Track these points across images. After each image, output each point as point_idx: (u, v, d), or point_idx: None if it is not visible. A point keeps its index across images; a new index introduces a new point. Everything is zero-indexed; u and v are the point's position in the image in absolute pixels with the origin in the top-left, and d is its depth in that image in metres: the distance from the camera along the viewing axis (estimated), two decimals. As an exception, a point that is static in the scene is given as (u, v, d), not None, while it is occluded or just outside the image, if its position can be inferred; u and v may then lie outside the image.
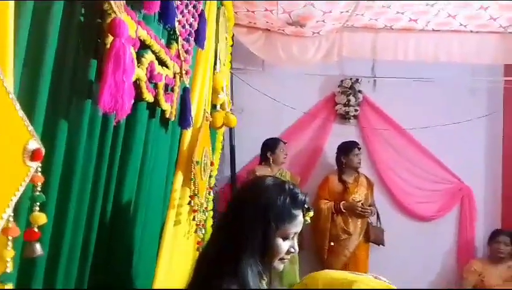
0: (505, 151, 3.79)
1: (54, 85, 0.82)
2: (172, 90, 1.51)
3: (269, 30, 3.36)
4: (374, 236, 3.41)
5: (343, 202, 3.32)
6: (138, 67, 1.12)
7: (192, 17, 1.64)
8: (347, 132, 3.71)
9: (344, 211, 3.30)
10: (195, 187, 1.66)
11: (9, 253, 0.65)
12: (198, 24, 1.72)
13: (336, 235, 3.29)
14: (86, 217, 1.03)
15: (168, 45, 1.45)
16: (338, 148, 3.48)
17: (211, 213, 2.21)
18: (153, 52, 1.23)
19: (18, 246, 0.71)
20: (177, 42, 1.51)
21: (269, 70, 3.71)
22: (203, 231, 1.88)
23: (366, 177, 3.52)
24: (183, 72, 1.56)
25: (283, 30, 3.30)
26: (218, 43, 2.33)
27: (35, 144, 0.68)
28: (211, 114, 2.10)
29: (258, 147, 3.38)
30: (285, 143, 3.37)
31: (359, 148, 3.46)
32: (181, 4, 1.49)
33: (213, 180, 2.04)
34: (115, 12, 0.95)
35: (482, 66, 3.64)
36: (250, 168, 3.38)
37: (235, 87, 3.58)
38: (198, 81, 1.85)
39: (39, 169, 0.70)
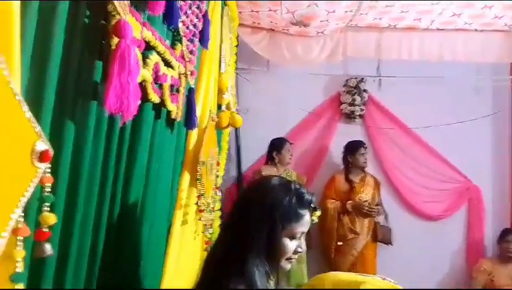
0: (512, 150, 3.76)
1: (60, 86, 0.83)
2: (178, 91, 1.51)
3: (273, 30, 3.36)
4: (381, 235, 3.40)
5: (349, 201, 3.31)
6: (143, 68, 1.13)
7: (196, 18, 1.65)
8: (352, 132, 3.70)
9: (351, 210, 3.29)
10: (201, 187, 1.66)
11: (20, 253, 0.65)
12: (202, 25, 1.73)
13: (343, 234, 3.28)
14: (94, 217, 1.04)
15: (173, 46, 1.45)
16: (344, 148, 3.47)
17: (218, 213, 2.22)
18: (158, 53, 1.24)
19: (28, 247, 0.72)
20: (181, 43, 1.51)
21: (274, 70, 3.71)
22: (211, 231, 1.89)
23: (373, 177, 3.51)
24: (188, 72, 1.57)
25: (287, 30, 3.30)
26: (223, 44, 2.33)
27: (43, 145, 0.69)
28: (216, 114, 2.10)
29: (264, 147, 3.38)
30: (291, 144, 3.37)
31: (365, 148, 3.45)
32: (185, 5, 1.50)
33: (219, 180, 2.04)
34: (120, 14, 0.95)
35: (487, 65, 3.62)
36: (256, 168, 3.38)
37: (240, 88, 3.59)
38: (203, 82, 1.85)
39: (48, 170, 0.70)
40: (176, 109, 1.48)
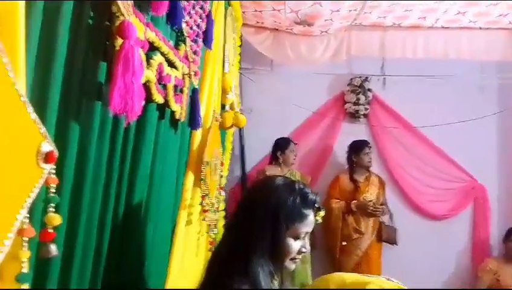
0: (518, 149, 3.73)
1: (65, 87, 0.83)
2: (182, 91, 1.52)
3: (277, 30, 3.36)
4: (386, 235, 3.38)
5: (354, 201, 3.30)
6: (147, 69, 1.13)
7: (200, 18, 1.65)
8: (357, 131, 3.68)
9: (355, 210, 3.28)
10: (206, 187, 1.67)
11: (25, 254, 0.66)
12: (205, 25, 1.73)
13: (348, 234, 3.27)
14: (98, 218, 1.04)
15: (177, 46, 1.46)
16: (348, 147, 3.46)
17: (223, 213, 2.22)
18: (162, 53, 1.24)
19: (33, 247, 0.72)
20: (185, 43, 1.51)
21: (278, 69, 3.71)
22: (215, 231, 1.89)
23: (378, 176, 3.49)
24: (192, 73, 1.57)
25: (291, 29, 3.30)
26: (226, 44, 2.33)
27: (48, 146, 0.69)
28: (220, 114, 2.11)
29: (268, 147, 3.37)
30: (296, 144, 3.36)
31: (370, 147, 3.43)
32: (188, 5, 1.50)
33: (223, 181, 2.04)
34: (124, 15, 0.96)
35: (492, 63, 3.59)
36: (260, 168, 3.38)
37: (244, 87, 3.59)
38: (207, 82, 1.85)
39: (53, 171, 0.71)
40: (179, 109, 1.48)
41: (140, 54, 1.03)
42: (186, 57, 1.53)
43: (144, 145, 1.27)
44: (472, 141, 3.60)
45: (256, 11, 2.96)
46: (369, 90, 3.70)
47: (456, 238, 3.73)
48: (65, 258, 0.90)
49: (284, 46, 3.38)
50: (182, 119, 1.55)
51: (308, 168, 3.62)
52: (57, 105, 0.81)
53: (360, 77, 3.69)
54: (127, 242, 1.24)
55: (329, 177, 3.54)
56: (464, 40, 3.29)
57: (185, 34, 1.50)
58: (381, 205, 3.35)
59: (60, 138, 0.83)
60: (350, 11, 2.92)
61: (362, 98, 3.67)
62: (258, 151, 3.59)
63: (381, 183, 3.47)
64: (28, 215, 0.66)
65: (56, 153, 0.70)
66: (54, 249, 0.72)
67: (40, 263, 0.79)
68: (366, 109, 3.69)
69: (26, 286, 0.66)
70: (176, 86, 1.43)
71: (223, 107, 2.27)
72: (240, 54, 3.12)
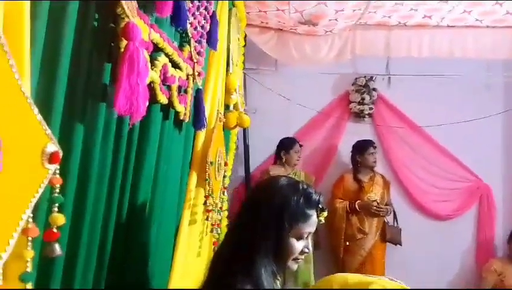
0: (524, 148, 3.71)
1: (70, 88, 0.84)
2: (186, 91, 1.52)
3: (281, 30, 3.36)
4: (390, 235, 3.37)
5: (358, 201, 3.29)
6: (152, 70, 1.14)
7: (204, 19, 1.66)
8: (362, 131, 3.68)
9: (359, 210, 3.27)
10: (209, 187, 1.67)
11: (29, 253, 0.66)
12: (210, 26, 1.73)
13: (352, 234, 3.27)
14: (102, 218, 1.05)
15: (181, 47, 1.46)
16: (353, 147, 3.46)
17: (226, 213, 2.23)
18: (166, 54, 1.25)
19: (37, 247, 0.73)
20: (189, 44, 1.52)
21: (282, 70, 3.71)
22: (219, 231, 1.90)
23: (382, 176, 3.49)
24: (196, 73, 1.58)
25: (295, 29, 3.30)
26: (230, 44, 2.34)
27: (53, 147, 0.70)
28: (224, 115, 2.11)
29: (272, 147, 3.38)
30: (301, 146, 3.36)
31: (374, 147, 3.43)
32: (192, 6, 1.51)
33: (227, 181, 2.05)
34: (128, 16, 0.96)
35: (498, 62, 3.57)
36: (264, 168, 3.39)
37: (248, 88, 3.59)
38: (211, 82, 1.86)
39: (57, 171, 0.72)
40: (184, 109, 1.49)
41: (145, 55, 1.03)
42: (191, 58, 1.54)
43: (148, 146, 1.27)
44: (478, 140, 3.58)
45: (260, 11, 2.96)
46: (374, 89, 3.69)
47: (461, 238, 3.72)
48: (69, 258, 0.90)
49: (289, 46, 3.38)
50: (186, 120, 1.56)
51: (313, 168, 3.62)
52: (62, 106, 0.82)
53: (364, 76, 3.69)
54: (130, 242, 1.25)
55: (334, 177, 3.54)
56: (469, 38, 3.27)
57: (189, 35, 1.51)
58: (386, 205, 3.35)
59: (65, 138, 0.83)
60: (354, 10, 2.92)
61: (367, 97, 3.66)
62: (262, 151, 3.59)
63: (386, 183, 3.46)
64: (32, 215, 0.66)
65: (60, 154, 0.71)
66: (58, 248, 0.73)
67: (44, 262, 0.79)
68: (370, 109, 3.69)
69: (29, 285, 0.67)
70: (180, 87, 1.44)
71: (227, 107, 2.27)
72: (244, 54, 3.13)
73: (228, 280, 1.00)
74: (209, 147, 1.70)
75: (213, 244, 1.95)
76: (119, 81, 0.92)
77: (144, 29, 1.04)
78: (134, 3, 1.00)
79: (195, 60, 1.57)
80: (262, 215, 1.06)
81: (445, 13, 2.98)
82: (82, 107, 0.92)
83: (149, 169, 1.31)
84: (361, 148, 3.41)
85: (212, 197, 1.72)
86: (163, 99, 1.25)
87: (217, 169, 1.79)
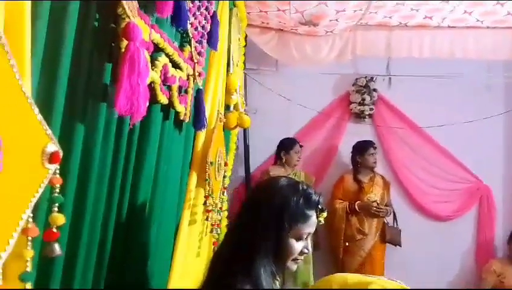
0: (525, 149, 3.71)
1: (70, 89, 0.84)
2: (186, 92, 1.52)
3: (282, 30, 3.36)
4: (390, 236, 3.37)
5: (358, 201, 3.29)
6: (152, 70, 1.14)
7: (205, 19, 1.66)
8: (362, 131, 3.68)
9: (359, 211, 3.27)
10: (209, 188, 1.67)
11: (29, 253, 0.66)
12: (210, 26, 1.73)
13: (351, 235, 3.27)
14: (102, 218, 1.05)
15: (181, 48, 1.46)
16: (353, 148, 3.46)
17: (226, 213, 2.23)
18: (167, 55, 1.25)
19: (37, 246, 0.73)
20: (190, 44, 1.52)
21: (282, 70, 3.71)
22: (219, 231, 1.90)
23: (382, 177, 3.49)
24: (197, 73, 1.58)
25: (296, 30, 3.30)
26: (231, 44, 2.34)
27: (53, 146, 0.70)
28: (224, 115, 2.11)
29: (272, 147, 3.38)
30: (301, 146, 3.36)
31: (375, 148, 3.43)
32: (193, 6, 1.51)
33: (227, 181, 2.05)
34: (129, 17, 0.96)
35: (499, 62, 3.56)
36: (265, 169, 3.39)
37: (249, 88, 3.59)
38: (212, 83, 1.86)
39: (57, 171, 0.72)
40: (184, 110, 1.49)
41: (146, 55, 1.03)
42: (191, 58, 1.54)
43: (148, 146, 1.28)
44: (478, 141, 3.58)
45: (261, 11, 2.96)
46: (374, 90, 3.69)
47: (461, 239, 3.71)
48: (68, 258, 0.90)
49: (289, 46, 3.37)
50: (187, 120, 1.56)
51: (313, 168, 3.62)
52: (63, 106, 0.82)
53: (365, 77, 3.69)
54: (130, 242, 1.25)
55: (334, 178, 3.54)
56: (470, 39, 3.27)
57: (190, 35, 1.51)
58: (386, 205, 3.35)
59: (65, 138, 0.84)
60: (355, 11, 2.92)
61: (367, 98, 3.66)
62: (262, 152, 3.60)
63: (386, 184, 3.46)
64: (32, 215, 0.67)
65: (61, 154, 0.71)
66: (57, 248, 0.73)
67: (44, 262, 0.79)
68: (371, 109, 3.68)
69: (29, 285, 0.67)
70: (180, 87, 1.44)
71: (227, 107, 2.27)
72: (244, 55, 3.13)
73: (228, 280, 1.00)
74: (209, 147, 1.70)
75: (213, 244, 1.95)
76: (119, 81, 0.93)
77: (144, 30, 1.04)
78: (135, 4, 1.00)
79: (195, 60, 1.57)
80: (262, 215, 1.06)
81: (446, 14, 2.98)
82: (82, 107, 0.92)
83: (149, 169, 1.31)
84: (361, 148, 3.41)
85: (212, 197, 1.72)
86: (163, 99, 1.25)
87: (217, 169, 1.79)
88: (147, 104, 1.03)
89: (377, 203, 3.28)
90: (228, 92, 2.24)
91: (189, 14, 1.43)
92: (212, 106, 1.88)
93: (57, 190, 0.73)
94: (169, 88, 1.33)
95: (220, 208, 1.90)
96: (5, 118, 0.60)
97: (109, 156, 1.05)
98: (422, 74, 3.61)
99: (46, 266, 0.82)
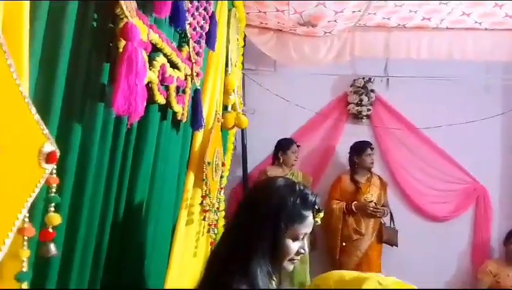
0: (521, 151, 3.72)
1: (68, 88, 0.84)
2: (184, 92, 1.52)
3: (281, 30, 3.36)
4: (386, 237, 3.38)
5: (354, 202, 3.30)
6: (150, 70, 1.14)
7: (203, 20, 1.66)
8: (359, 132, 3.68)
9: (356, 211, 3.28)
10: (207, 188, 1.67)
11: (25, 253, 0.66)
12: (209, 26, 1.73)
13: (348, 235, 3.27)
14: (99, 218, 1.05)
15: (180, 48, 1.46)
16: (350, 148, 3.47)
17: (223, 213, 2.23)
18: (165, 55, 1.25)
19: (33, 246, 0.73)
20: (188, 45, 1.52)
21: (281, 70, 3.72)
22: (216, 231, 1.90)
23: (379, 178, 3.49)
24: (194, 74, 1.58)
25: (294, 30, 3.30)
26: (229, 44, 2.34)
27: (50, 146, 0.70)
28: (222, 115, 2.11)
29: (270, 148, 3.38)
30: (298, 146, 3.37)
31: (372, 148, 3.43)
32: (192, 7, 1.51)
33: (224, 181, 2.05)
34: (127, 17, 0.96)
35: (497, 64, 3.57)
36: (262, 169, 3.39)
37: (247, 88, 3.60)
38: (210, 83, 1.86)
39: (54, 171, 0.72)
40: (181, 110, 1.49)
41: (144, 55, 1.04)
42: (189, 58, 1.54)
43: (145, 146, 1.28)
44: (476, 142, 3.59)
45: (259, 12, 2.96)
46: (372, 91, 3.70)
47: (457, 239, 3.72)
48: (65, 258, 0.90)
49: (288, 46, 3.38)
50: (184, 120, 1.56)
51: (311, 168, 3.63)
52: (60, 106, 0.82)
53: (363, 77, 3.69)
54: (127, 242, 1.25)
55: (332, 178, 3.54)
56: (468, 41, 3.28)
57: (188, 35, 1.51)
58: (383, 206, 3.36)
59: (63, 138, 0.84)
60: (354, 12, 2.92)
61: (365, 99, 3.67)
62: (260, 152, 3.60)
63: (383, 185, 3.47)
64: (29, 215, 0.67)
65: (58, 154, 0.71)
66: (53, 248, 0.73)
67: (40, 262, 0.79)
68: (368, 110, 3.69)
69: (25, 285, 0.67)
70: (178, 87, 1.44)
71: (225, 107, 2.27)
72: (243, 55, 3.13)
73: (225, 279, 1.01)
74: (207, 147, 1.70)
75: (210, 244, 1.95)
76: (117, 81, 0.93)
77: (142, 30, 1.04)
78: (133, 4, 1.00)
79: (193, 61, 1.57)
80: (259, 215, 1.06)
81: (445, 15, 2.98)
82: (80, 107, 0.92)
83: (146, 169, 1.31)
84: (358, 149, 3.42)
85: (209, 197, 1.72)
86: (161, 99, 1.25)
87: (214, 169, 1.79)
88: (145, 104, 1.03)
89: (374, 204, 3.29)
90: (226, 92, 2.24)
91: (187, 14, 1.43)
92: (210, 106, 1.88)
93: (54, 190, 0.73)
94: (167, 88, 1.33)
95: (217, 208, 1.90)
96: (2, 118, 0.60)
97: (106, 156, 1.05)
98: (420, 75, 3.62)
99: (42, 266, 0.82)
